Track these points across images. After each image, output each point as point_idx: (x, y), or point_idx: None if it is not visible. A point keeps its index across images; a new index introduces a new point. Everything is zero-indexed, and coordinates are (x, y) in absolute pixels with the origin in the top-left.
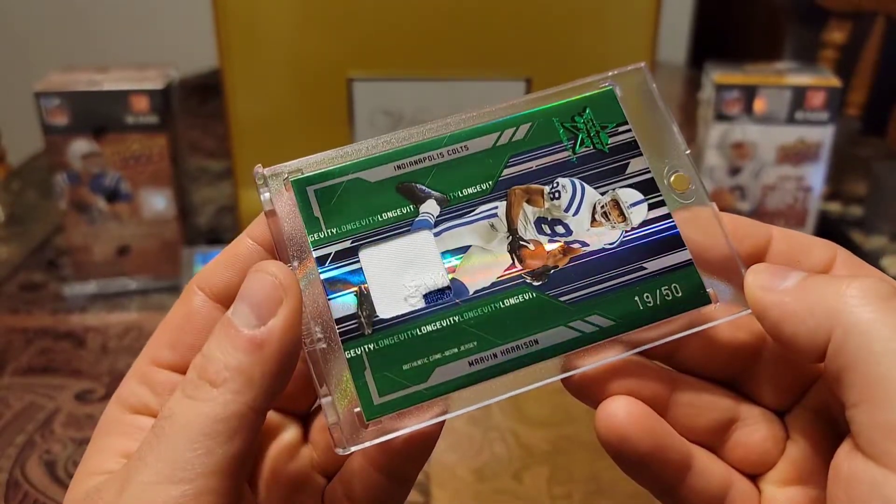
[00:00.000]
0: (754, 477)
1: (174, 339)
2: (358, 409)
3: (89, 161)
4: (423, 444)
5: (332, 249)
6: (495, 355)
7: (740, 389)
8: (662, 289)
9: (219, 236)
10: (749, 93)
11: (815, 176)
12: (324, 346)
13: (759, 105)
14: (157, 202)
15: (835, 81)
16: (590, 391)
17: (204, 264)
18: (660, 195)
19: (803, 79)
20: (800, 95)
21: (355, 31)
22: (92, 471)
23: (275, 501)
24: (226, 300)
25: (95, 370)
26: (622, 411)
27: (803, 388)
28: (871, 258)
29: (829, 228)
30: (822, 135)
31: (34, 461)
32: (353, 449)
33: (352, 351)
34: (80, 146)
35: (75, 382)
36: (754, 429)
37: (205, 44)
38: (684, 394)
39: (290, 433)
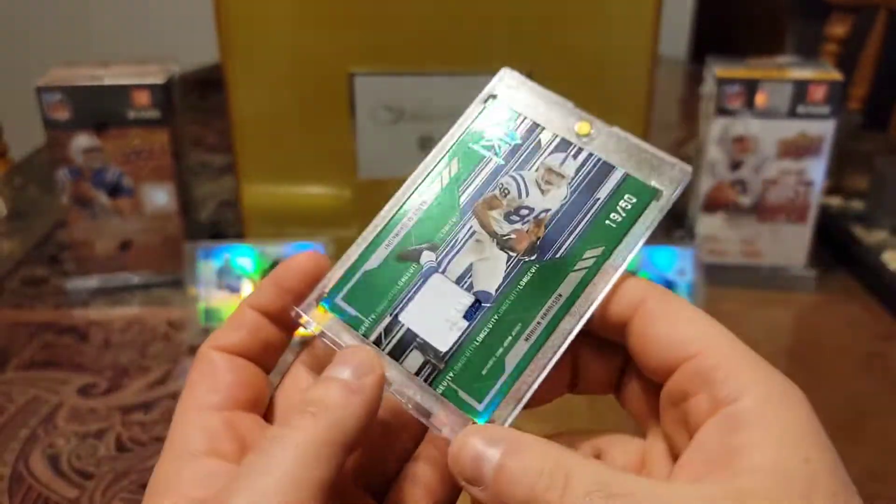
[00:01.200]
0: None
1: (210, 384)
2: (470, 423)
3: (91, 156)
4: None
5: (380, 329)
6: (539, 322)
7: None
8: (619, 205)
9: (221, 231)
10: (750, 87)
11: (817, 170)
12: (418, 398)
13: (761, 99)
14: (159, 197)
15: (836, 75)
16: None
17: (206, 259)
18: (575, 145)
19: (805, 73)
20: (801, 89)
21: (356, 26)
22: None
23: None
24: (238, 353)
25: (98, 364)
26: None
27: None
28: (873, 253)
29: (830, 223)
30: (824, 129)
31: (37, 455)
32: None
33: (440, 387)
34: (81, 141)
35: (78, 377)
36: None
37: (206, 38)
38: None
39: None
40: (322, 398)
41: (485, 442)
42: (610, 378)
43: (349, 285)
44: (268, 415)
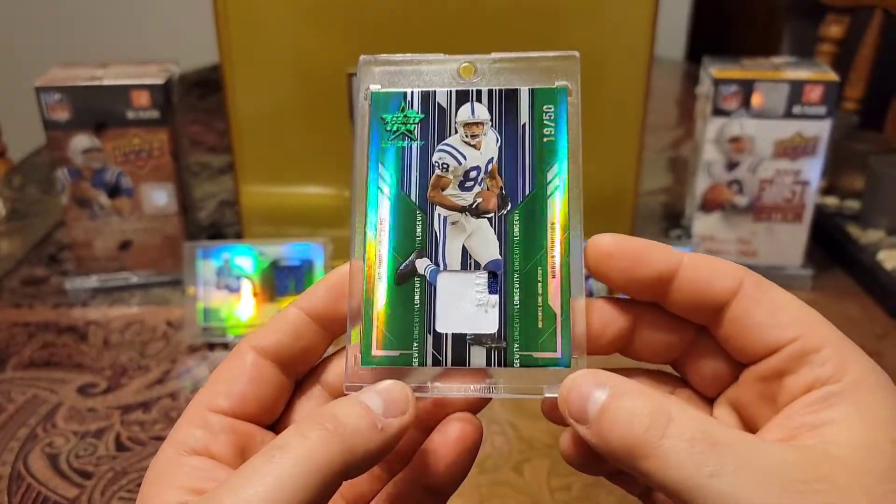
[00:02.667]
0: None
1: (228, 388)
2: (559, 371)
3: (90, 156)
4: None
5: (430, 351)
6: (552, 256)
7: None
8: (543, 119)
9: (220, 231)
10: (747, 87)
11: (813, 170)
12: (502, 384)
13: (757, 99)
14: (159, 197)
15: (832, 76)
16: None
17: (205, 259)
18: (468, 89)
19: (801, 73)
20: (797, 90)
21: (356, 26)
22: None
23: None
24: (273, 356)
25: (97, 364)
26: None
27: (725, 383)
28: (868, 252)
29: (826, 222)
30: (820, 129)
31: (37, 454)
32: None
33: (515, 361)
34: (81, 141)
35: (77, 376)
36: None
37: (205, 39)
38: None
39: None
40: (342, 418)
41: (592, 384)
42: (670, 351)
43: (374, 333)
44: (285, 417)
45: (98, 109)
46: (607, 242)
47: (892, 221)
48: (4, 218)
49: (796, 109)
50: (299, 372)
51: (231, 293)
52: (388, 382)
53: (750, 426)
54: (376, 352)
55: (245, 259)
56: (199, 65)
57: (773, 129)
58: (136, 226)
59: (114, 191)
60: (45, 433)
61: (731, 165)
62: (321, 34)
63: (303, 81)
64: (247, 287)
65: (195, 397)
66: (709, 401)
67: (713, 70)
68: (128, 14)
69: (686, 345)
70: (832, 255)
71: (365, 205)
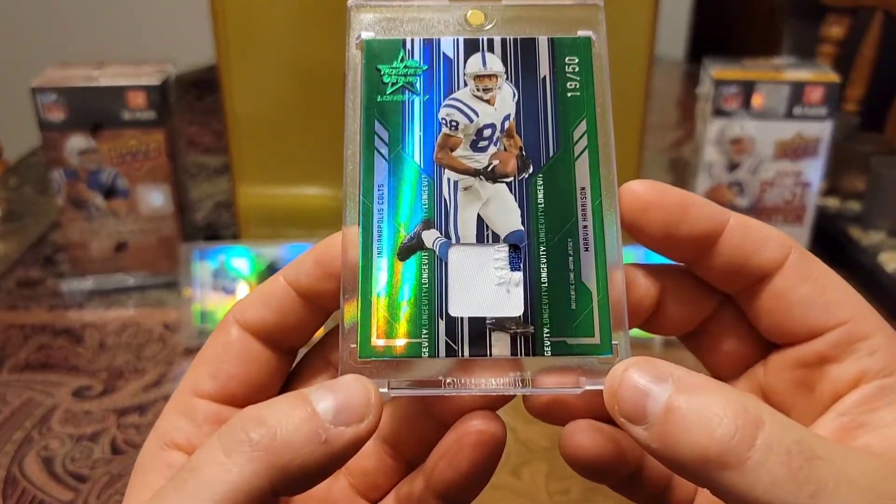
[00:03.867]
0: None
1: (214, 369)
2: (599, 360)
3: (86, 157)
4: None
5: (442, 339)
6: (584, 226)
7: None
8: (566, 72)
9: (216, 232)
10: (747, 88)
11: (814, 171)
12: (528, 376)
13: (758, 100)
14: (155, 198)
15: (833, 77)
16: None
17: (201, 261)
18: (482, 39)
19: (802, 74)
20: (798, 91)
21: None
22: None
23: None
24: (260, 333)
25: (93, 366)
26: (586, 441)
27: (746, 363)
28: (870, 254)
29: (827, 224)
30: (821, 130)
31: (32, 458)
32: (622, 360)
33: (545, 350)
34: (76, 142)
35: (73, 379)
36: None
37: (202, 39)
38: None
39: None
40: (273, 426)
41: (650, 377)
42: (691, 322)
43: (373, 320)
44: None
45: (94, 110)
46: (647, 191)
47: (893, 223)
48: (0, 219)
49: (797, 110)
50: (293, 348)
51: (227, 295)
52: (347, 378)
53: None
54: (377, 341)
55: (242, 261)
56: (196, 65)
57: (773, 130)
58: (132, 227)
59: (110, 192)
60: (41, 436)
61: (732, 166)
62: (318, 34)
63: (300, 82)
64: (243, 289)
65: (182, 380)
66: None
67: (714, 71)
68: (124, 14)
69: (706, 316)
70: (833, 257)
71: (359, 168)
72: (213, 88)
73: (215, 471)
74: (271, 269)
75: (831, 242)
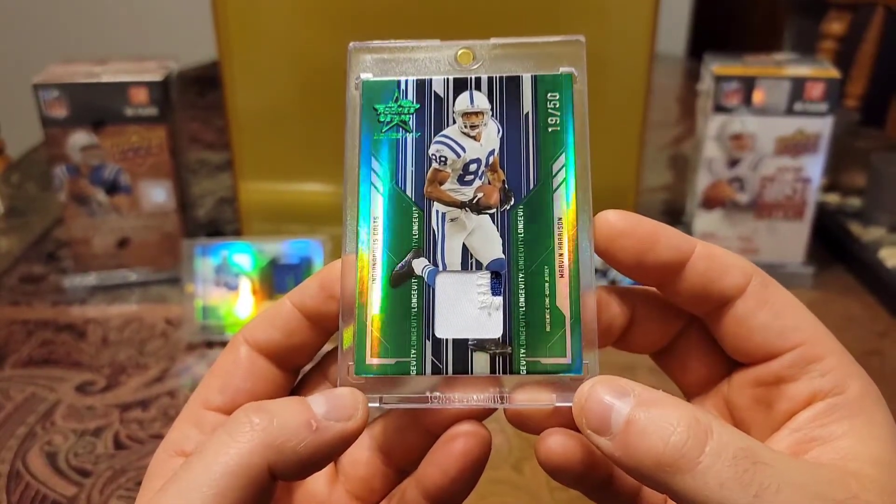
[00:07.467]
0: None
1: (223, 383)
2: (568, 378)
3: (88, 153)
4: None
5: (429, 358)
6: (560, 254)
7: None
8: (548, 108)
9: (218, 228)
10: (748, 84)
11: (814, 167)
12: (506, 393)
13: (758, 96)
14: (157, 194)
15: (834, 73)
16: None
17: (203, 257)
18: (470, 78)
19: (802, 70)
20: (799, 87)
21: (355, 22)
22: None
23: None
24: (267, 352)
25: (96, 362)
26: (559, 447)
27: (712, 380)
28: (870, 249)
29: (827, 220)
30: (821, 126)
31: (35, 452)
32: (592, 377)
33: (521, 368)
34: (79, 138)
35: (76, 374)
36: None
37: (204, 35)
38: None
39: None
40: (273, 412)
41: (613, 393)
42: (660, 341)
43: (368, 340)
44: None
45: (96, 106)
46: (619, 220)
47: (893, 219)
48: (3, 215)
49: (798, 106)
50: (297, 366)
51: (230, 291)
52: (341, 388)
53: (741, 429)
54: (371, 360)
55: (244, 256)
56: (198, 61)
57: (774, 126)
58: (134, 223)
59: (112, 188)
60: (44, 431)
61: (733, 162)
62: (320, 30)
63: (302, 78)
64: (245, 285)
65: (193, 394)
66: (686, 396)
67: (714, 67)
68: (126, 10)
69: (674, 336)
70: (833, 253)
71: (357, 201)
72: (216, 84)
73: (218, 449)
74: (273, 265)
75: (832, 238)
